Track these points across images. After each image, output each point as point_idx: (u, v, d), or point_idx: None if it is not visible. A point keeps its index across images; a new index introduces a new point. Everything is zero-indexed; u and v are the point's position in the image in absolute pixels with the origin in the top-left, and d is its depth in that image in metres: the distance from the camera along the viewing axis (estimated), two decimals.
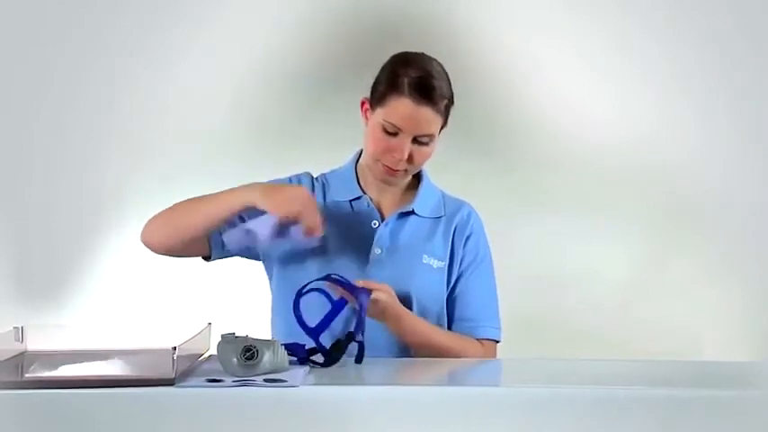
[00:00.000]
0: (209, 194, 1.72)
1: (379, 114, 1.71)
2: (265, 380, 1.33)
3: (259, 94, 2.37)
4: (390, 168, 1.74)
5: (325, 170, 1.89)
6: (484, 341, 1.80)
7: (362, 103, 1.77)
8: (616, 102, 2.34)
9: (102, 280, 2.37)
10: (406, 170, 1.76)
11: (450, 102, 1.75)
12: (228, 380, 1.33)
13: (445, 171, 1.95)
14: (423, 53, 1.76)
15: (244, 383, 1.31)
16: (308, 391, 1.31)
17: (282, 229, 1.63)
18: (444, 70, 1.75)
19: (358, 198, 1.83)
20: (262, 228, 1.63)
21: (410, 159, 1.73)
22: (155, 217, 1.75)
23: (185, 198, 1.66)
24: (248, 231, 1.64)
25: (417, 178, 1.87)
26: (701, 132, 2.32)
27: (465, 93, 2.32)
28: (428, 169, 1.90)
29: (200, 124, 2.38)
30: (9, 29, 2.34)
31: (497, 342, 1.82)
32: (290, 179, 1.87)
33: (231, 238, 1.69)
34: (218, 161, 2.37)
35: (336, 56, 2.36)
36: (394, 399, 1.30)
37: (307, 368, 1.45)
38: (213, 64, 2.36)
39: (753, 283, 2.30)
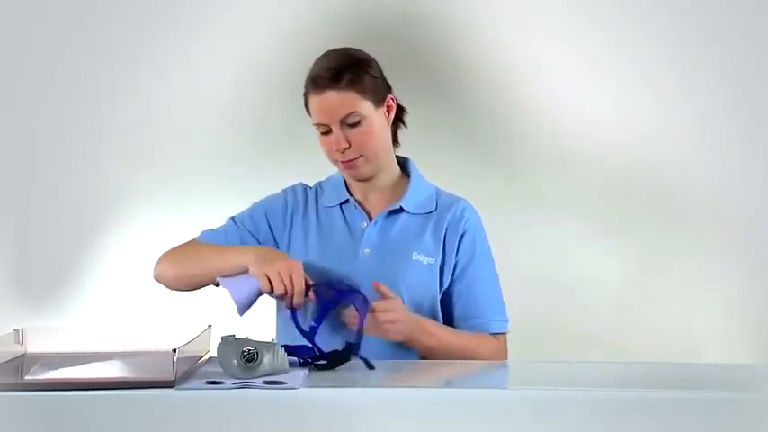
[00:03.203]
0: (216, 247, 1.78)
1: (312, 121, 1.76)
2: (265, 382, 1.33)
3: (259, 94, 2.36)
4: (344, 162, 1.76)
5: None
6: (497, 335, 1.81)
7: None
8: (616, 102, 2.33)
9: (102, 281, 2.37)
10: (362, 156, 1.76)
11: (372, 76, 1.75)
12: (228, 382, 1.33)
13: (444, 171, 1.95)
14: (334, 49, 1.78)
15: (244, 385, 1.32)
16: (308, 393, 1.32)
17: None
18: (362, 54, 1.76)
19: (346, 201, 1.85)
20: (239, 289, 1.65)
21: (353, 145, 1.74)
22: (165, 257, 1.81)
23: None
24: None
25: (408, 176, 1.87)
26: (701, 132, 2.32)
27: (465, 92, 2.35)
28: (426, 169, 1.90)
29: (201, 124, 2.37)
30: (9, 29, 2.34)
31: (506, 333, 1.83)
32: (284, 192, 1.88)
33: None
34: (219, 161, 2.37)
35: None
36: (394, 401, 1.31)
37: (307, 370, 1.46)
38: (213, 64, 2.36)
39: (753, 285, 2.29)
